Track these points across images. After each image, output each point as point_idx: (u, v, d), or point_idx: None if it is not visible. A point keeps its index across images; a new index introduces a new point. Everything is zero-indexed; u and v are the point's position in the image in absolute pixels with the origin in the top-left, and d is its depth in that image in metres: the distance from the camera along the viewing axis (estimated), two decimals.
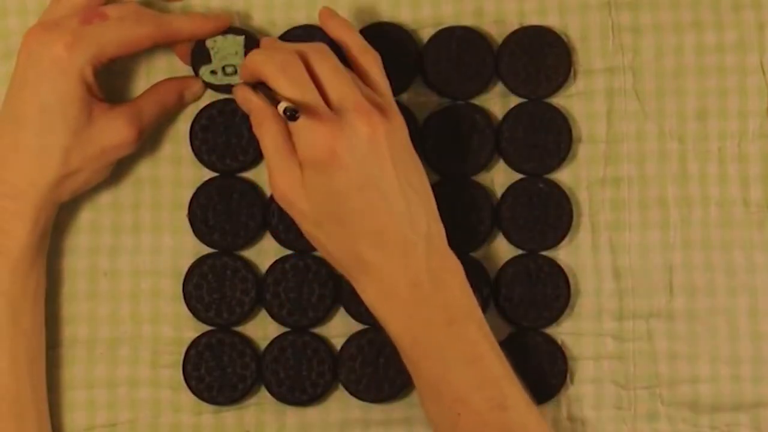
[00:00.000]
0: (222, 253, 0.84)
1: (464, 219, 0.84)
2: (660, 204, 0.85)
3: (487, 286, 0.84)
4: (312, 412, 0.85)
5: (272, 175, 0.76)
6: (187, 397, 0.84)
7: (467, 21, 0.86)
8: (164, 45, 0.83)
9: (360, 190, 0.73)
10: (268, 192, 0.85)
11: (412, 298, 0.75)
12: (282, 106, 0.72)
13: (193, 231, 0.84)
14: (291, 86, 0.74)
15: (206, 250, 0.85)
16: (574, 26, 0.86)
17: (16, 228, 0.79)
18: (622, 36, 0.85)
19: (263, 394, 0.84)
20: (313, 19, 0.85)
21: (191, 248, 0.85)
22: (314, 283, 0.84)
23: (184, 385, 0.84)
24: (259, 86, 0.77)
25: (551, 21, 0.86)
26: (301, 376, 0.84)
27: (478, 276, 0.84)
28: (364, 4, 0.86)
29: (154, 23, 0.81)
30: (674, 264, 0.85)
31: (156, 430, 0.85)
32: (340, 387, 0.85)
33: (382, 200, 0.74)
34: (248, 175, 0.86)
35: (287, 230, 0.84)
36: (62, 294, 0.85)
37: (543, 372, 0.84)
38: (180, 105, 0.85)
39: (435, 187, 0.83)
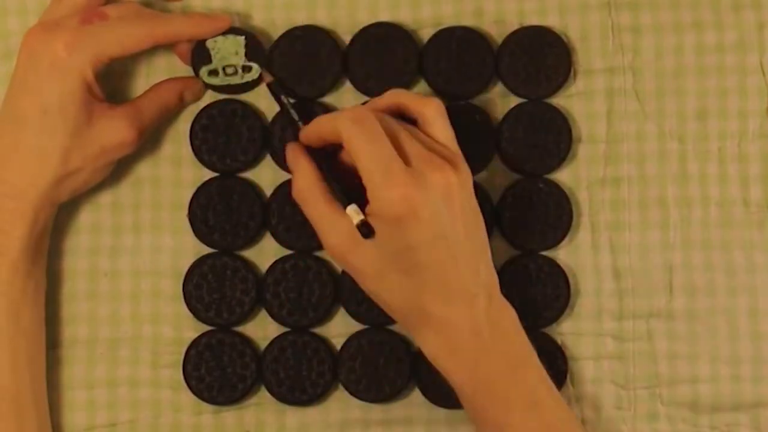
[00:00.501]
0: (222, 253, 0.84)
1: None
2: (660, 204, 0.85)
3: None
4: (312, 412, 0.85)
5: (325, 236, 0.76)
6: (187, 397, 0.84)
7: (467, 21, 0.86)
8: (164, 45, 0.83)
9: (432, 243, 0.73)
10: (268, 192, 0.85)
11: (475, 348, 0.75)
12: (356, 220, 0.73)
13: (193, 231, 0.84)
14: (368, 141, 0.73)
15: (206, 250, 0.85)
16: (574, 26, 0.86)
17: (16, 228, 0.79)
18: (622, 36, 0.85)
19: (263, 394, 0.84)
20: (314, 19, 0.85)
21: (191, 248, 0.85)
22: (314, 283, 0.84)
23: (184, 385, 0.84)
24: (316, 152, 0.78)
25: (551, 21, 0.86)
26: (301, 376, 0.84)
27: None
28: (364, 4, 0.86)
29: (155, 23, 0.81)
30: (674, 264, 0.85)
31: (156, 430, 0.85)
32: (340, 387, 0.85)
33: (451, 253, 0.74)
34: (248, 175, 0.86)
35: (287, 230, 0.84)
36: (62, 294, 0.85)
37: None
38: (180, 106, 0.85)
39: None
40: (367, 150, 0.73)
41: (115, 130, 0.80)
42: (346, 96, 0.86)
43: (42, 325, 0.82)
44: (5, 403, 0.79)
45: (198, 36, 0.83)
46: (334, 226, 0.75)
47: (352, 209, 0.74)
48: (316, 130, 0.78)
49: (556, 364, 0.84)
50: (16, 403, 0.80)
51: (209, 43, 0.83)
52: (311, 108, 0.84)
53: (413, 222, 0.73)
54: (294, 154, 0.79)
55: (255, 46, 0.83)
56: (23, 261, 0.79)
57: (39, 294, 0.82)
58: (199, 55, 0.84)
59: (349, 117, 0.75)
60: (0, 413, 0.79)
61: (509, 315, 0.77)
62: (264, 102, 0.85)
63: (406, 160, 0.74)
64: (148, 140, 0.85)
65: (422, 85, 0.86)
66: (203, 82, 0.84)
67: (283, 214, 0.84)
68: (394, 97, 0.78)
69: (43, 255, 0.82)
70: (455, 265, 0.74)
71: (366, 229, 0.72)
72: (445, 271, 0.74)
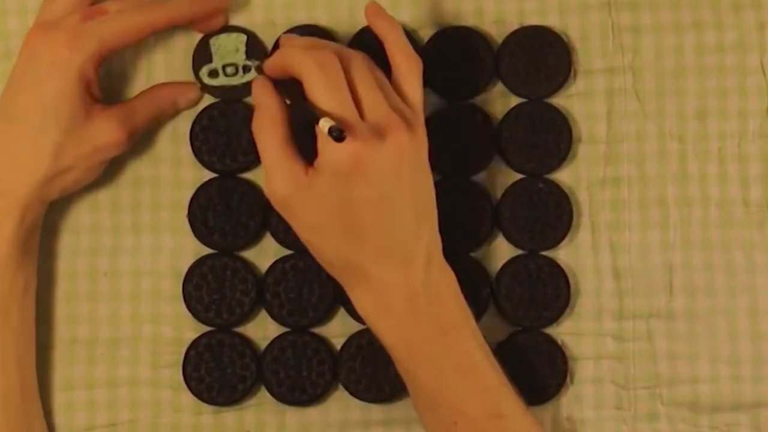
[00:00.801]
0: (222, 254, 0.84)
1: (464, 219, 0.84)
2: (660, 204, 0.85)
3: (487, 286, 0.84)
4: (312, 413, 0.85)
5: (270, 177, 0.75)
6: (187, 398, 0.84)
7: (467, 21, 0.86)
8: (164, 30, 0.83)
9: (376, 202, 0.73)
10: None
11: (408, 310, 0.75)
12: (326, 124, 0.70)
13: (193, 231, 0.84)
14: (328, 89, 0.73)
15: (206, 250, 0.85)
16: (574, 26, 0.85)
17: (3, 226, 0.79)
18: (622, 36, 0.85)
19: (263, 395, 0.84)
20: (314, 19, 0.85)
21: (191, 249, 0.85)
22: (314, 283, 0.84)
23: (184, 385, 0.84)
24: (281, 84, 0.77)
25: (551, 21, 0.85)
26: (301, 376, 0.84)
27: (478, 276, 0.84)
28: (364, 4, 0.85)
29: (154, 9, 0.81)
30: (674, 264, 0.85)
31: (156, 431, 0.85)
32: (340, 387, 0.85)
33: (393, 214, 0.74)
34: (248, 175, 0.86)
35: (287, 231, 0.84)
36: (62, 294, 0.85)
37: (543, 372, 0.84)
38: (173, 111, 0.85)
39: (435, 187, 0.83)
40: (325, 97, 0.73)
41: (106, 130, 0.80)
42: None
43: (32, 324, 0.82)
44: None
45: (197, 17, 0.83)
46: (283, 169, 0.74)
47: (325, 120, 0.71)
48: (280, 62, 0.77)
49: (556, 364, 0.84)
50: (4, 401, 0.79)
51: (211, 41, 0.83)
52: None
53: (359, 179, 0.72)
54: (260, 89, 0.77)
55: (256, 44, 0.83)
56: (11, 259, 0.79)
57: (29, 293, 0.82)
58: (200, 54, 0.84)
59: (314, 60, 0.74)
60: None
61: (447, 280, 0.77)
62: None
63: (362, 114, 0.73)
64: (149, 140, 0.85)
65: (422, 86, 0.85)
66: (203, 84, 0.84)
67: None
68: (388, 32, 0.78)
69: (32, 254, 0.82)
70: (396, 227, 0.74)
71: (338, 132, 0.69)
72: (386, 231, 0.74)
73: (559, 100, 0.85)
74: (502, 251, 0.85)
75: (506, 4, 0.86)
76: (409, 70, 0.77)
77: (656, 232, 0.85)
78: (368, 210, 0.73)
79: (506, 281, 0.84)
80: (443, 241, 0.83)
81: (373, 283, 0.75)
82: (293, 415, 0.85)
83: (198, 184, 0.85)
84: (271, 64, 0.78)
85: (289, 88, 0.76)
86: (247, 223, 0.84)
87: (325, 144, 0.73)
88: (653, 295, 0.84)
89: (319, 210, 0.74)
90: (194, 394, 0.84)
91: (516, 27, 0.85)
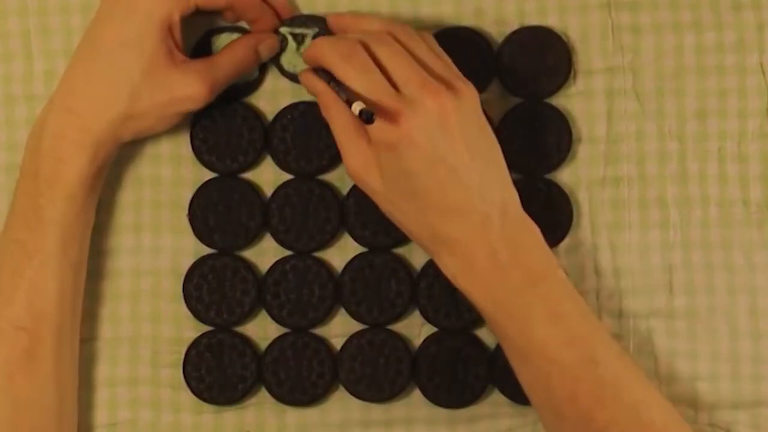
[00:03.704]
0: (222, 254, 0.85)
1: None
2: (660, 204, 0.85)
3: None
4: (312, 413, 0.85)
5: (344, 155, 0.77)
6: (187, 397, 0.84)
7: (467, 21, 0.86)
8: (237, 11, 0.83)
9: (431, 167, 0.74)
10: (268, 192, 0.85)
11: (491, 267, 0.75)
12: (357, 107, 0.73)
13: (194, 231, 0.84)
14: (357, 74, 0.75)
15: (206, 250, 0.85)
16: (574, 26, 0.85)
17: (76, 158, 0.78)
18: (622, 36, 0.85)
19: (263, 395, 0.84)
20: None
21: (191, 248, 0.85)
22: (314, 283, 0.84)
23: (184, 384, 0.84)
24: (322, 72, 0.78)
25: (551, 21, 0.86)
26: (301, 376, 0.84)
27: None
28: (364, 4, 0.86)
29: None
30: (674, 263, 0.85)
31: (156, 430, 0.85)
32: (340, 387, 0.85)
33: (453, 176, 0.74)
34: (248, 175, 0.86)
35: (287, 231, 0.84)
36: None
37: None
38: (256, 61, 0.84)
39: None
40: (357, 82, 0.75)
41: (187, 82, 0.80)
42: None
43: (85, 262, 0.82)
44: (47, 330, 0.79)
45: (267, 6, 0.83)
46: (351, 145, 0.77)
47: (357, 104, 0.74)
48: (312, 56, 0.79)
49: None
50: (59, 333, 0.79)
51: (213, 38, 0.85)
52: None
53: (407, 148, 0.74)
54: (308, 80, 0.80)
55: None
56: (79, 191, 0.79)
57: (87, 229, 0.82)
58: (200, 52, 0.84)
59: (337, 53, 0.77)
60: (41, 339, 0.78)
61: (529, 230, 0.77)
62: (264, 102, 0.86)
63: (399, 86, 0.75)
64: (149, 140, 0.85)
65: None
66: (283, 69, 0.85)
67: (283, 215, 0.84)
68: (384, 25, 0.80)
69: (96, 192, 0.81)
70: (461, 188, 0.74)
71: (366, 116, 0.72)
72: (449, 193, 0.75)
73: (559, 100, 0.85)
74: None
75: (506, 4, 0.86)
76: (428, 39, 0.79)
77: (656, 231, 0.85)
78: (427, 175, 0.74)
79: None
80: None
81: (453, 245, 0.76)
82: (293, 415, 0.85)
83: (198, 184, 0.85)
84: (307, 57, 0.81)
85: (329, 76, 0.78)
86: (248, 223, 0.84)
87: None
88: (653, 295, 0.84)
89: (386, 181, 0.76)
90: (194, 393, 0.84)
91: (516, 27, 0.85)
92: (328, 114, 0.78)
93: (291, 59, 0.85)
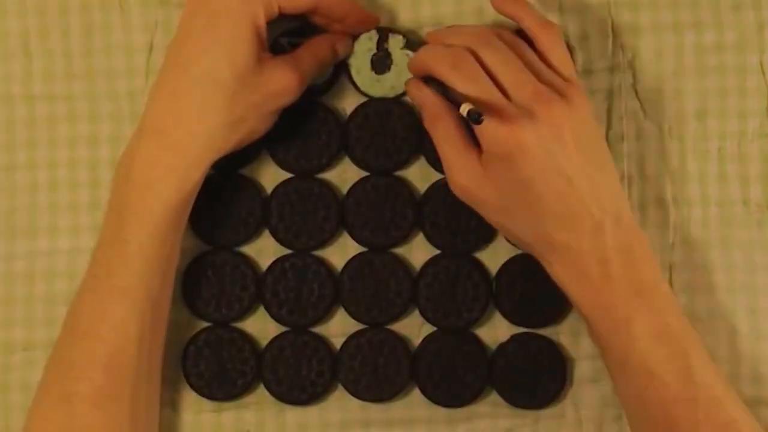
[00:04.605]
0: (221, 250, 0.84)
1: (466, 219, 0.84)
2: (659, 204, 0.85)
3: (487, 286, 0.84)
4: (311, 412, 0.85)
5: (450, 170, 0.77)
6: (187, 396, 0.84)
7: (467, 21, 0.86)
8: (323, 9, 0.82)
9: (545, 177, 0.74)
10: (268, 189, 0.85)
11: (601, 275, 0.75)
12: (465, 108, 0.73)
13: (192, 227, 0.84)
14: (466, 83, 0.75)
15: (205, 246, 0.85)
16: (574, 26, 0.86)
17: (164, 185, 0.76)
18: (622, 36, 0.86)
19: (263, 394, 0.84)
20: (439, 15, 0.86)
21: (190, 245, 0.85)
22: (314, 282, 0.84)
23: (184, 383, 0.84)
24: (431, 81, 0.78)
25: (551, 21, 0.85)
26: (300, 375, 0.84)
27: (478, 275, 0.84)
28: (364, 5, 0.85)
29: None
30: (673, 263, 0.85)
31: None
32: (340, 386, 0.84)
33: (567, 184, 0.74)
34: (247, 171, 0.85)
35: (287, 230, 0.84)
36: (62, 294, 0.85)
37: (543, 372, 0.84)
38: (334, 58, 0.84)
39: (436, 188, 0.83)
40: (467, 91, 0.75)
41: (278, 76, 0.79)
42: (346, 95, 0.86)
43: (167, 301, 0.80)
44: (125, 368, 0.77)
45: (350, 16, 0.83)
46: (458, 160, 0.77)
47: (465, 104, 0.74)
48: (420, 66, 0.79)
49: (556, 364, 0.84)
50: (137, 371, 0.77)
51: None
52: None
53: (522, 158, 0.74)
54: (415, 91, 0.80)
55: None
56: (163, 225, 0.77)
57: (170, 267, 0.80)
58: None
59: (447, 62, 0.76)
60: (118, 377, 0.76)
61: (639, 241, 0.76)
62: None
63: (509, 97, 0.75)
64: None
65: None
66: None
67: (282, 214, 0.84)
68: (516, 11, 0.80)
69: (181, 228, 0.79)
70: (575, 196, 0.74)
71: (475, 116, 0.72)
72: (565, 200, 0.74)
73: None
74: (502, 251, 0.85)
75: None
76: (549, 40, 0.79)
77: (656, 231, 0.85)
78: (541, 185, 0.74)
79: (506, 281, 0.84)
80: (444, 240, 0.84)
81: (565, 253, 0.76)
82: (293, 414, 0.85)
83: None
84: (413, 67, 0.81)
85: (437, 86, 0.78)
86: (247, 219, 0.84)
87: (481, 133, 0.75)
88: None
89: (498, 193, 0.76)
90: (194, 389, 0.84)
91: (516, 27, 0.85)
92: (433, 127, 0.78)
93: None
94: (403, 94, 0.84)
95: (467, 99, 0.75)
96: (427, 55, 0.79)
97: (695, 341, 0.76)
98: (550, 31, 0.79)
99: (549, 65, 0.78)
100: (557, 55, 0.79)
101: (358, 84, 0.85)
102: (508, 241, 0.84)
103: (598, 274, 0.75)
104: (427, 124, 0.79)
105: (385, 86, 0.84)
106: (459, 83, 0.76)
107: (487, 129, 0.74)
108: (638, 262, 0.76)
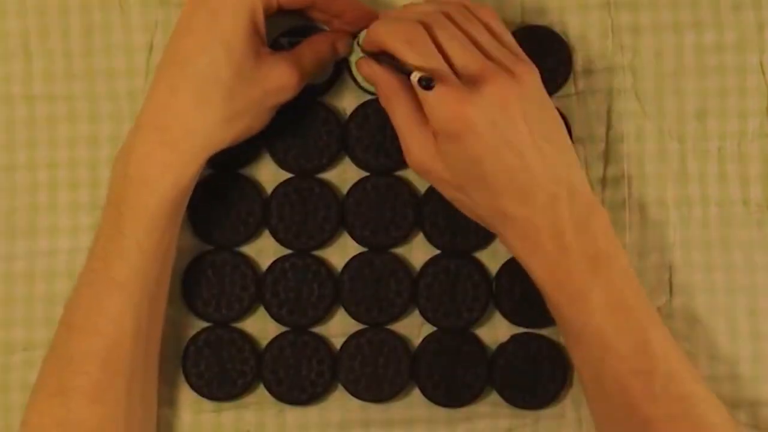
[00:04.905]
0: (221, 250, 0.84)
1: (466, 219, 0.83)
2: (659, 204, 0.85)
3: (487, 286, 0.84)
4: (311, 412, 0.85)
5: (406, 146, 0.77)
6: (187, 396, 0.84)
7: None
8: (320, 11, 0.83)
9: (495, 152, 0.74)
10: (268, 189, 0.85)
11: (556, 247, 0.75)
12: (416, 75, 0.73)
13: (192, 227, 0.84)
14: (418, 58, 0.75)
15: (205, 246, 0.85)
16: (574, 26, 0.86)
17: (160, 180, 0.76)
18: (622, 36, 0.86)
19: (263, 394, 0.84)
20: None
21: (190, 245, 0.85)
22: (314, 282, 0.84)
23: (184, 383, 0.84)
24: (383, 57, 0.78)
25: (551, 21, 0.86)
26: (300, 375, 0.84)
27: (478, 275, 0.84)
28: (364, 1, 0.85)
29: None
30: (674, 263, 0.85)
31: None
32: (340, 387, 0.84)
33: (518, 159, 0.74)
34: (247, 172, 0.85)
35: (287, 230, 0.84)
36: (62, 293, 0.85)
37: (544, 372, 0.84)
38: (334, 57, 0.84)
39: (436, 189, 0.83)
40: (421, 65, 0.74)
41: (277, 73, 0.79)
42: (346, 95, 0.86)
43: (164, 296, 0.81)
44: (121, 362, 0.77)
45: (348, 11, 0.83)
46: (414, 137, 0.76)
47: (415, 72, 0.73)
48: (373, 41, 0.79)
49: (557, 364, 0.84)
50: (132, 365, 0.77)
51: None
52: None
53: (471, 136, 0.73)
54: (366, 69, 0.79)
55: None
56: (159, 220, 0.77)
57: (166, 262, 0.80)
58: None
59: (400, 37, 0.76)
60: (115, 371, 0.76)
61: (596, 213, 0.76)
62: None
63: (457, 72, 0.75)
64: None
65: None
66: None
67: (282, 214, 0.84)
68: (443, 5, 0.79)
69: (177, 223, 0.79)
70: (527, 170, 0.74)
71: (426, 81, 0.72)
72: (517, 174, 0.74)
73: (559, 100, 0.85)
74: (502, 251, 0.85)
75: (506, 3, 0.86)
76: (487, 16, 0.78)
77: (656, 231, 0.85)
78: (492, 160, 0.74)
79: (506, 281, 0.84)
80: (443, 241, 0.84)
81: (519, 227, 0.75)
82: (293, 414, 0.85)
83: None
84: (366, 43, 0.80)
85: (389, 60, 0.78)
86: (247, 219, 0.84)
87: (430, 109, 0.74)
88: (653, 295, 0.84)
89: (451, 169, 0.76)
90: (194, 389, 0.84)
91: (516, 27, 0.85)
92: (388, 104, 0.78)
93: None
94: None
95: (419, 69, 0.74)
96: (380, 30, 0.78)
97: (652, 315, 0.76)
98: (484, 10, 0.78)
99: (498, 40, 0.78)
100: (497, 28, 0.78)
101: (359, 80, 0.85)
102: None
103: (553, 246, 0.75)
104: (383, 101, 0.78)
105: None
106: (411, 57, 0.75)
107: (433, 102, 0.74)
108: (594, 236, 0.75)
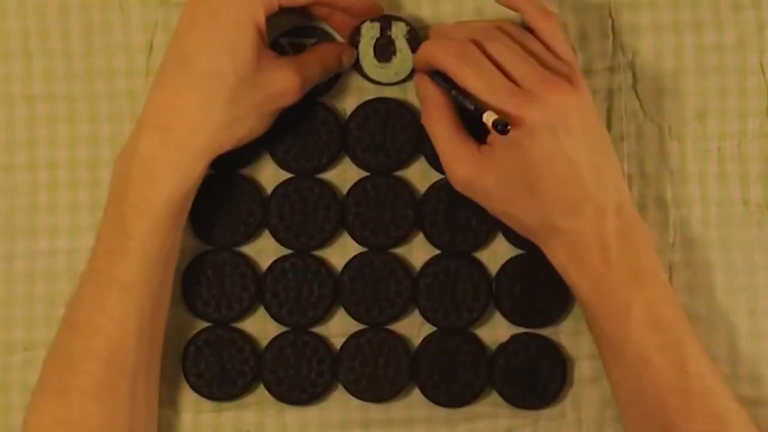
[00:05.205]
0: (221, 250, 0.84)
1: (465, 219, 0.84)
2: (659, 204, 0.85)
3: (487, 286, 0.84)
4: (311, 412, 0.85)
5: (449, 163, 0.78)
6: (187, 396, 0.84)
7: (467, 19, 0.86)
8: (325, 4, 0.82)
9: (552, 160, 0.74)
10: (268, 189, 0.85)
11: (600, 260, 0.76)
12: (489, 117, 0.74)
13: (192, 227, 0.84)
14: (473, 72, 0.76)
15: (205, 246, 0.85)
16: (574, 26, 0.86)
17: (166, 180, 0.76)
18: (622, 36, 0.86)
19: (263, 394, 0.84)
20: (439, 13, 0.86)
21: (190, 245, 0.85)
22: (314, 282, 0.84)
23: (184, 383, 0.84)
24: (435, 75, 0.79)
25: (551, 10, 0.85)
26: (300, 375, 0.84)
27: (478, 275, 0.84)
28: None
29: None
30: (673, 263, 0.85)
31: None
32: (340, 387, 0.84)
33: (572, 168, 0.75)
34: (247, 172, 0.85)
35: (287, 230, 0.84)
36: (62, 294, 0.85)
37: (543, 372, 0.84)
38: (338, 67, 0.84)
39: (436, 188, 0.83)
40: (474, 84, 0.76)
41: (281, 77, 0.79)
42: (346, 95, 0.86)
43: (167, 296, 0.81)
44: (124, 362, 0.76)
45: (354, 5, 0.83)
46: (458, 153, 0.77)
47: (488, 114, 0.74)
48: (424, 59, 0.79)
49: (556, 364, 0.84)
50: (135, 365, 0.77)
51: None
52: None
53: (530, 141, 0.74)
54: (420, 84, 0.80)
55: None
56: (164, 220, 0.77)
57: (170, 263, 0.80)
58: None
59: (452, 53, 0.77)
60: (117, 371, 0.76)
61: (641, 232, 0.77)
62: None
63: (517, 82, 0.75)
64: None
65: None
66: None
67: (282, 214, 0.84)
68: (514, 2, 0.80)
69: (181, 222, 0.79)
70: (579, 180, 0.75)
71: (501, 126, 0.73)
72: (569, 185, 0.75)
73: None
74: (502, 251, 0.85)
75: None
76: (550, 28, 0.79)
77: (656, 231, 0.85)
78: (546, 169, 0.75)
79: (506, 281, 0.84)
80: (443, 241, 0.84)
81: (566, 239, 0.76)
82: (293, 414, 0.85)
83: None
84: (417, 61, 0.81)
85: (440, 79, 0.79)
86: (247, 219, 0.84)
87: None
88: None
89: (501, 180, 0.76)
90: (194, 389, 0.84)
91: (517, 21, 0.85)
92: (429, 121, 0.79)
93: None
94: (407, 79, 0.85)
95: (476, 90, 0.75)
96: (432, 48, 0.79)
97: (690, 332, 0.76)
98: (551, 19, 0.79)
99: (553, 53, 0.78)
100: (559, 43, 0.79)
101: (365, 69, 0.85)
102: (508, 240, 0.84)
103: (599, 260, 0.75)
104: (424, 119, 0.79)
105: (389, 72, 0.85)
106: (466, 73, 0.76)
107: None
108: (637, 251, 0.76)
